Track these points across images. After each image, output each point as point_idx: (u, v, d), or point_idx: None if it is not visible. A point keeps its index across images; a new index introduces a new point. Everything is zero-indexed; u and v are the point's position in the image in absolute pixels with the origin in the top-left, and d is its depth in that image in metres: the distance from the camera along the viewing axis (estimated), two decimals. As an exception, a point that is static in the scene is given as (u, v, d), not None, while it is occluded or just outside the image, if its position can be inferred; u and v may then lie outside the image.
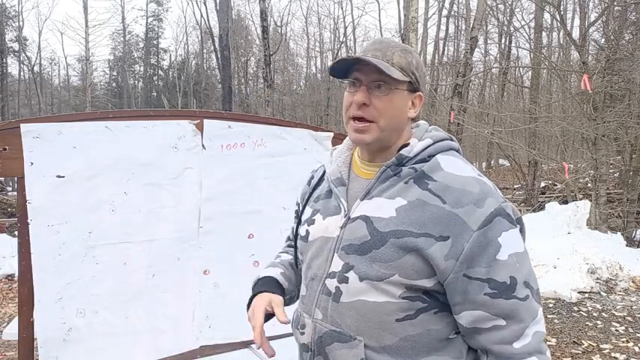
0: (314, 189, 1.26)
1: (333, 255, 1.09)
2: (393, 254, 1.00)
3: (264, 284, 1.26)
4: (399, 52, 1.06)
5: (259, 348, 1.14)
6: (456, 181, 1.02)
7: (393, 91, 1.05)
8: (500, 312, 0.99)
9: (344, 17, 31.13)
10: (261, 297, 1.21)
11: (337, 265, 1.07)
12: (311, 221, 1.18)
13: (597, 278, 5.62)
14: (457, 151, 1.13)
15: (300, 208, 1.29)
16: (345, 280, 1.05)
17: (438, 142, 1.10)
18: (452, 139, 1.14)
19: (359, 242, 1.04)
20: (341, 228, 1.09)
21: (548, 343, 4.06)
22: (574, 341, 4.11)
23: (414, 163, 1.06)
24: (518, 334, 0.99)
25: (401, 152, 1.07)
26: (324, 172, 1.24)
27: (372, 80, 1.04)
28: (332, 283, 1.08)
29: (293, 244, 1.35)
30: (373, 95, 1.05)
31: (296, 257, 1.31)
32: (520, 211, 10.18)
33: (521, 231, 1.07)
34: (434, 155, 1.07)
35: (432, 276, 1.01)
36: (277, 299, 1.19)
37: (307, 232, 1.18)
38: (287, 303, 1.27)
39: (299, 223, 1.26)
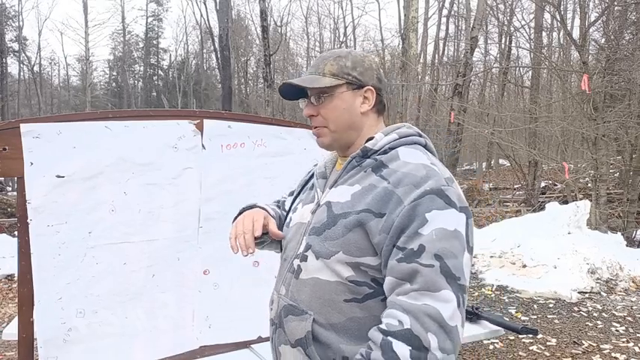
0: (306, 182, 1.38)
1: (303, 238, 1.18)
2: (339, 232, 1.08)
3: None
4: (332, 60, 1.19)
5: (247, 255, 1.27)
6: (405, 166, 1.09)
7: (331, 97, 1.18)
8: (404, 275, 0.99)
9: (344, 17, 31.22)
10: (255, 210, 1.33)
11: (303, 246, 1.17)
12: (294, 210, 1.30)
13: (597, 278, 5.62)
14: (423, 145, 1.19)
15: (295, 194, 1.40)
16: (305, 259, 1.15)
17: (404, 136, 1.18)
18: (420, 136, 1.21)
19: (319, 224, 1.14)
20: (312, 213, 1.19)
21: (548, 343, 4.06)
22: (574, 341, 4.11)
23: (377, 155, 1.15)
24: (406, 292, 0.97)
25: (366, 145, 1.16)
26: None
27: (313, 94, 1.20)
28: (296, 262, 1.18)
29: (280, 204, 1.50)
30: (318, 106, 1.19)
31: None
32: (520, 211, 10.18)
33: (467, 223, 1.04)
34: (395, 148, 1.15)
35: (374, 254, 1.05)
36: (271, 219, 1.30)
37: (290, 219, 1.30)
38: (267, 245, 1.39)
39: (288, 210, 1.37)
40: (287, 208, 1.41)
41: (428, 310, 0.94)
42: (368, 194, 1.08)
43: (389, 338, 0.96)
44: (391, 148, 1.15)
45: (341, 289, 1.08)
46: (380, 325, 0.99)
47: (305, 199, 1.28)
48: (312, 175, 1.36)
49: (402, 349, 0.94)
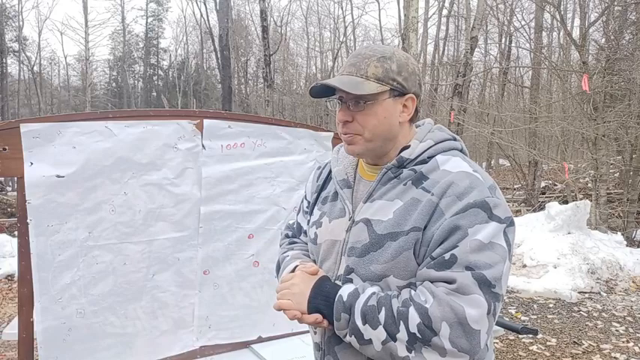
0: (321, 189, 1.27)
1: (341, 258, 1.11)
2: (388, 256, 1.02)
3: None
4: (375, 61, 1.07)
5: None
6: (447, 176, 1.03)
7: (372, 104, 1.07)
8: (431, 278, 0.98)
9: (344, 17, 31.07)
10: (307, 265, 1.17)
11: (343, 267, 1.10)
12: (319, 224, 1.20)
13: (597, 278, 5.62)
14: (460, 150, 1.13)
15: (310, 206, 1.30)
16: (350, 282, 1.08)
17: (439, 142, 1.11)
18: (455, 139, 1.14)
19: (360, 245, 1.07)
20: (346, 231, 1.11)
21: (548, 343, 4.06)
22: (574, 341, 4.11)
23: (414, 165, 1.08)
24: (440, 286, 0.96)
25: (401, 154, 1.09)
26: (330, 171, 1.26)
27: (351, 97, 1.07)
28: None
29: (297, 238, 1.37)
30: (355, 111, 1.08)
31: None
32: (520, 211, 10.17)
33: (506, 232, 1.00)
34: (434, 156, 1.08)
35: None
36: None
37: (315, 234, 1.21)
38: None
39: (308, 222, 1.28)
40: (305, 227, 1.32)
41: (454, 305, 0.93)
42: (412, 210, 1.02)
43: (411, 302, 0.96)
44: (429, 157, 1.08)
45: None
46: (411, 291, 0.99)
47: (330, 213, 1.18)
48: (325, 180, 1.27)
49: (414, 315, 0.94)
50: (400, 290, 1.03)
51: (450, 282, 0.95)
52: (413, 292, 0.99)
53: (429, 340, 0.93)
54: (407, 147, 1.10)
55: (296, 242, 1.37)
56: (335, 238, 1.14)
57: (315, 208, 1.26)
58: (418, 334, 0.93)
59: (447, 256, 0.96)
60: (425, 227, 1.00)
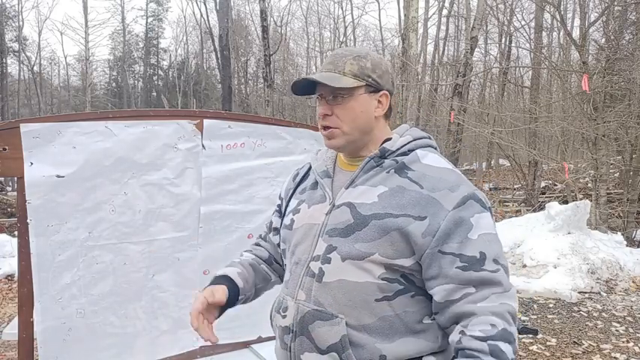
0: (299, 184, 1.34)
1: (318, 239, 1.15)
2: (374, 234, 1.08)
3: (217, 281, 1.29)
4: (351, 59, 1.16)
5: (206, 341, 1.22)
6: (432, 170, 1.13)
7: (349, 98, 1.15)
8: (470, 282, 1.05)
9: (344, 17, 31.09)
10: (206, 289, 1.24)
11: (321, 248, 1.14)
12: (296, 210, 1.25)
13: (597, 278, 5.62)
14: (435, 148, 1.22)
15: (284, 203, 1.36)
16: (328, 261, 1.11)
17: (417, 139, 1.20)
18: (430, 138, 1.23)
19: (343, 226, 1.12)
20: (326, 214, 1.16)
21: (548, 343, 4.06)
22: (574, 341, 4.11)
23: (395, 156, 1.16)
24: (485, 296, 1.04)
25: (384, 145, 1.17)
26: (310, 168, 1.32)
27: (329, 92, 1.16)
28: (315, 265, 1.13)
29: (263, 239, 1.46)
30: (334, 105, 1.16)
31: (272, 254, 1.41)
32: (520, 211, 10.18)
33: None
34: (413, 150, 1.17)
35: (410, 255, 1.08)
36: (219, 288, 1.23)
37: (292, 220, 1.25)
38: (243, 302, 1.32)
39: (283, 215, 1.33)
40: (276, 225, 1.38)
41: (508, 308, 1.04)
42: (399, 196, 1.09)
43: (494, 342, 1.01)
44: (409, 150, 1.17)
45: (371, 289, 1.08)
46: (472, 334, 1.02)
47: (310, 199, 1.23)
48: (303, 177, 1.33)
49: (506, 348, 1.01)
50: (400, 337, 1.09)
51: (494, 284, 1.05)
52: (478, 331, 1.02)
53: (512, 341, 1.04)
54: (389, 139, 1.18)
55: (259, 245, 1.45)
56: (313, 222, 1.18)
57: (292, 198, 1.31)
58: (512, 350, 1.03)
59: (476, 254, 1.05)
60: (424, 217, 1.07)
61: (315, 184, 1.25)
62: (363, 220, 1.09)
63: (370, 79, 1.16)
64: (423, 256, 1.07)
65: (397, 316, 1.09)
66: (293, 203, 1.29)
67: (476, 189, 1.12)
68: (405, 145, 1.17)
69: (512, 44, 17.21)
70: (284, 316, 1.18)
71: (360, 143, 1.19)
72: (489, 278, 1.05)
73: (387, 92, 1.19)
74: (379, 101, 1.18)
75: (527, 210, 9.97)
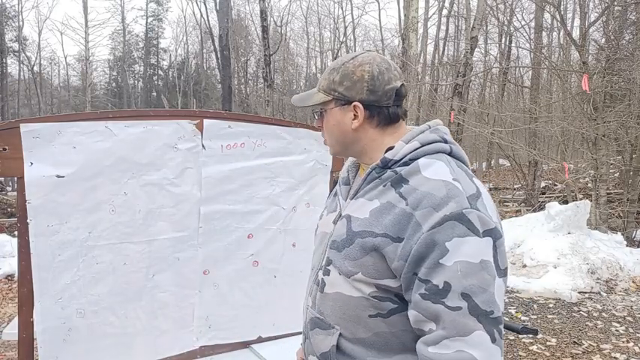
0: (333, 188, 1.38)
1: (326, 249, 1.16)
2: (357, 253, 1.05)
3: None
4: (327, 74, 1.17)
5: None
6: (425, 184, 1.01)
7: (326, 113, 1.17)
8: (430, 315, 0.96)
9: (344, 17, 31.05)
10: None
11: (325, 258, 1.15)
12: (321, 216, 1.29)
13: (597, 278, 5.62)
14: (448, 153, 1.10)
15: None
16: (328, 273, 1.13)
17: (426, 145, 1.08)
18: (445, 141, 1.11)
19: (339, 239, 1.11)
20: (333, 224, 1.17)
21: (548, 343, 4.06)
22: (574, 341, 4.11)
23: (397, 166, 1.07)
24: (436, 340, 0.95)
25: (385, 155, 1.09)
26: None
27: (315, 108, 1.21)
28: (320, 275, 1.16)
29: None
30: (320, 119, 1.21)
31: None
32: (520, 211, 10.17)
33: (495, 246, 0.98)
34: (416, 159, 1.06)
35: (394, 276, 1.02)
36: None
37: (317, 226, 1.29)
38: None
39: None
40: None
41: (463, 357, 0.92)
42: (386, 214, 1.02)
43: None
44: (412, 159, 1.06)
45: (365, 305, 1.05)
46: None
47: (329, 207, 1.26)
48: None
49: None
50: (395, 354, 1.05)
51: (449, 325, 0.94)
52: None
53: None
54: (391, 148, 1.10)
55: None
56: (326, 230, 1.20)
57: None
58: None
59: (439, 284, 0.94)
60: (401, 239, 0.99)
61: (337, 192, 1.27)
62: (352, 236, 1.07)
63: (336, 93, 1.13)
64: (401, 279, 1.00)
65: (393, 334, 1.05)
66: (323, 208, 1.33)
67: (470, 207, 0.97)
68: (409, 153, 1.07)
69: (512, 44, 17.22)
70: (304, 318, 1.24)
71: (352, 153, 1.19)
72: (443, 316, 0.93)
73: (357, 103, 1.11)
74: (354, 114, 1.12)
75: (527, 210, 9.97)
